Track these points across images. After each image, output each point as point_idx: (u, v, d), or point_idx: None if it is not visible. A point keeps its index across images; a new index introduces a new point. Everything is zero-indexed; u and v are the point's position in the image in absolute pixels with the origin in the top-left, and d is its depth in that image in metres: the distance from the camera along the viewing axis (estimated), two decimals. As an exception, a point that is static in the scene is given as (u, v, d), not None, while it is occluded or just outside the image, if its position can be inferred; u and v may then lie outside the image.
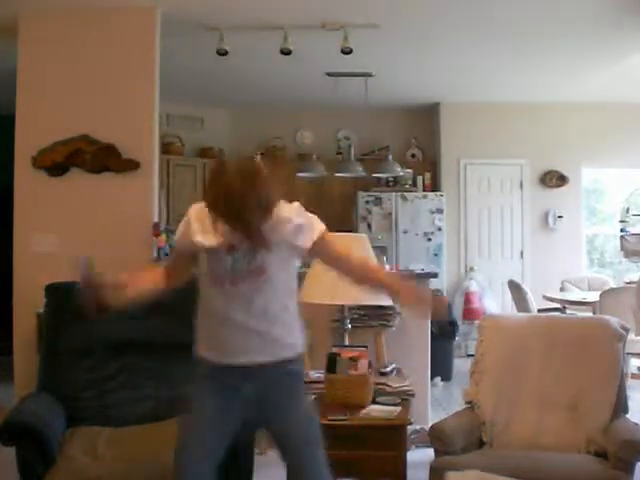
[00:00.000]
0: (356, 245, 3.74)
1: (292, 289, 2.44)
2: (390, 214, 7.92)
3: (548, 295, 6.97)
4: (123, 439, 3.04)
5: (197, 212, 2.37)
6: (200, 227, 2.33)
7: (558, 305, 6.75)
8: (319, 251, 2.42)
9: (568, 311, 6.64)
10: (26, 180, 4.87)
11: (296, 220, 2.33)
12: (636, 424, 3.09)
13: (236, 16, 5.17)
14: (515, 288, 7.07)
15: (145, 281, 2.48)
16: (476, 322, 6.30)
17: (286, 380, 2.40)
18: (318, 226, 2.38)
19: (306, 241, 2.35)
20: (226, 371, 2.34)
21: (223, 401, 2.35)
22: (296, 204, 2.38)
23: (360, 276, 2.51)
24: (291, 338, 2.41)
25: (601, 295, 6.00)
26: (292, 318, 2.42)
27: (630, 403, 3.31)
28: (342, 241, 3.70)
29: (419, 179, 8.25)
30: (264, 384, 2.36)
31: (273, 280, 2.33)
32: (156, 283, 2.47)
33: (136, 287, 2.41)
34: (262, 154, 7.35)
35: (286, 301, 2.40)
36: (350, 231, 7.02)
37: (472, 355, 3.68)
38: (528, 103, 7.98)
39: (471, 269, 8.18)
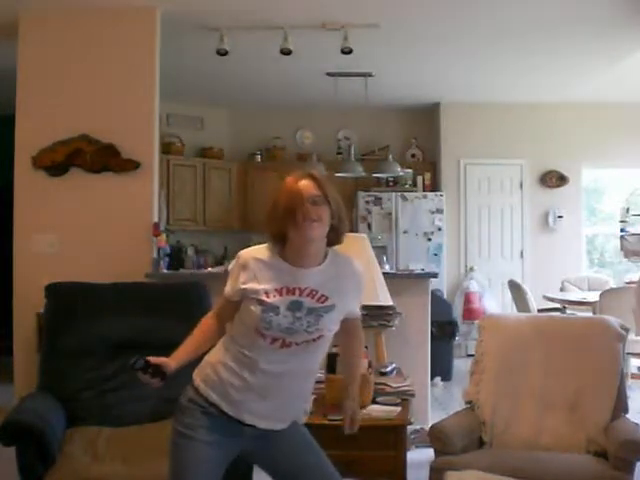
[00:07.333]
0: (356, 245, 3.74)
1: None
2: (390, 214, 7.92)
3: (548, 295, 6.97)
4: (123, 439, 3.04)
5: (251, 259, 2.19)
6: (255, 276, 2.16)
7: (558, 305, 6.75)
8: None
9: (568, 311, 6.64)
10: (26, 180, 4.88)
11: (362, 281, 2.33)
12: (636, 424, 3.09)
13: (236, 16, 5.17)
14: (515, 288, 7.07)
15: (200, 342, 2.31)
16: (476, 322, 6.30)
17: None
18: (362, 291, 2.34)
19: (358, 308, 2.35)
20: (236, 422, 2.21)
21: (224, 441, 2.22)
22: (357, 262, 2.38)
23: (348, 348, 2.45)
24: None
25: (601, 295, 6.00)
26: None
27: (630, 403, 3.31)
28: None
29: (419, 179, 8.25)
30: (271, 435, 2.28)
31: (324, 344, 2.24)
32: (210, 338, 2.30)
33: (191, 352, 2.31)
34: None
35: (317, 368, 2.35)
36: (350, 231, 7.00)
37: (472, 355, 3.67)
38: (528, 103, 7.98)
39: (471, 269, 8.17)
